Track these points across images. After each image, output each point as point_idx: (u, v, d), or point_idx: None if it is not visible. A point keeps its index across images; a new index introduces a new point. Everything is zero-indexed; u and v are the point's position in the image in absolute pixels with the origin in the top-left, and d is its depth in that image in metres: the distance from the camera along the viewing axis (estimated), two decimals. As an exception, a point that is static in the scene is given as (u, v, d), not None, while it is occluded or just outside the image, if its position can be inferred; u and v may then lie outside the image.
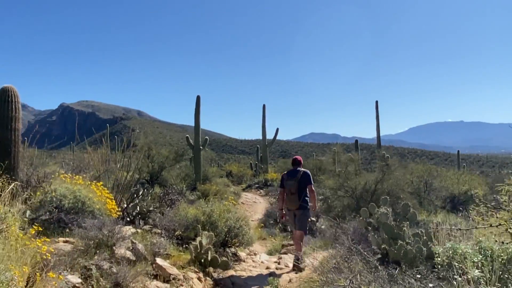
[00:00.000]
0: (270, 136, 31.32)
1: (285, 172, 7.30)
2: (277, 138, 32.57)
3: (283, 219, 7.39)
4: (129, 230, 6.22)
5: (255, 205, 20.78)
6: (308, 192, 6.83)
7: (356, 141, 29.52)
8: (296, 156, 7.34)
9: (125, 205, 7.94)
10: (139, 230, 6.63)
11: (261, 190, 24.93)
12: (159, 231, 6.89)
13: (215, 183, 21.75)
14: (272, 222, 15.89)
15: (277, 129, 30.73)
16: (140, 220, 7.66)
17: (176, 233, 7.10)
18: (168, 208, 10.80)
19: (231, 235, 7.22)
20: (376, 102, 28.19)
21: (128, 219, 7.54)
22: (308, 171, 7.08)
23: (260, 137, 31.41)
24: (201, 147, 22.10)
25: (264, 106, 30.35)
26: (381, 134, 27.22)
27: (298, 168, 7.02)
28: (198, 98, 22.32)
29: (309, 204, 6.90)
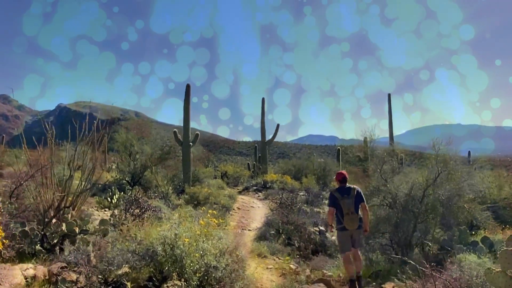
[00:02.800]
0: (269, 137, 28.44)
1: (335, 190, 6.72)
2: (275, 140, 29.69)
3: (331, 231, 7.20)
4: (18, 274, 3.25)
5: (252, 211, 18.08)
6: (363, 210, 6.51)
7: (365, 138, 26.61)
8: (343, 172, 6.84)
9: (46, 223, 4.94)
10: (42, 274, 3.66)
11: (260, 193, 22.41)
12: (75, 276, 3.90)
13: (206, 185, 18.86)
14: (273, 232, 13.20)
15: (278, 125, 27.91)
16: (70, 246, 4.69)
17: (118, 272, 4.12)
18: (136, 220, 7.85)
19: (209, 279, 4.22)
20: (389, 95, 25.46)
21: (46, 244, 4.57)
22: (359, 188, 6.69)
23: (259, 138, 28.57)
24: (190, 143, 19.15)
25: (263, 99, 27.50)
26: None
27: (349, 185, 6.62)
28: (187, 87, 19.40)
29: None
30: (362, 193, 6.52)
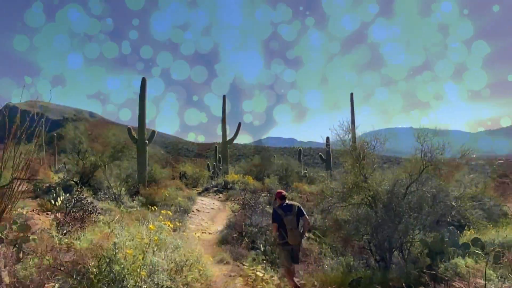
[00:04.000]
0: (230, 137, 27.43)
1: (278, 207, 7.02)
2: (234, 142, 28.82)
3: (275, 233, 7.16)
4: None
5: (213, 213, 17.13)
6: (304, 223, 6.91)
7: (328, 138, 26.20)
8: (282, 191, 7.33)
9: None
10: None
11: (221, 194, 21.43)
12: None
13: (163, 186, 17.63)
14: (236, 235, 12.32)
15: (239, 124, 26.93)
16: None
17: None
18: (77, 224, 6.65)
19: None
20: (351, 94, 25.22)
21: None
22: (299, 204, 7.16)
23: (218, 140, 27.59)
24: (146, 141, 17.81)
25: (224, 96, 26.46)
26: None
27: (288, 202, 7.06)
28: (143, 80, 18.07)
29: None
30: (302, 208, 7.03)
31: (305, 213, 6.99)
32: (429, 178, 6.07)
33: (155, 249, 3.26)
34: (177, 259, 3.36)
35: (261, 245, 10.59)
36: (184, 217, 14.67)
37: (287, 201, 7.05)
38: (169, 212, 5.08)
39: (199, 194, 21.73)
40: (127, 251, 3.16)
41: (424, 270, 4.65)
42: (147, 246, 3.25)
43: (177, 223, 4.35)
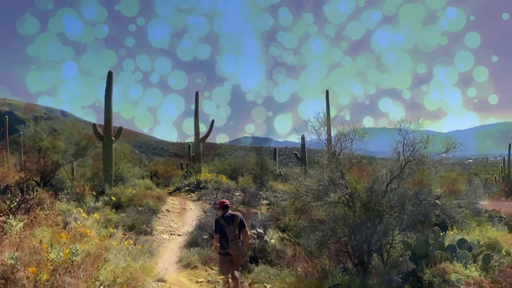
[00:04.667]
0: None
1: (220, 217, 7.14)
2: (210, 141, 28.11)
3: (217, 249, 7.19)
4: None
5: (184, 213, 16.42)
6: (244, 236, 7.06)
7: (303, 136, 25.73)
8: (225, 200, 7.53)
9: None
10: None
11: (193, 194, 20.73)
12: None
13: (131, 185, 16.76)
14: (206, 237, 11.74)
15: (213, 121, 26.23)
16: None
17: None
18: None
19: None
20: (327, 91, 24.82)
21: None
22: (241, 215, 7.30)
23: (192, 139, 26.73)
24: (113, 138, 16.87)
25: (197, 93, 25.66)
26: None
27: (231, 212, 7.17)
28: (110, 74, 17.10)
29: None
30: (243, 220, 7.18)
31: (246, 225, 7.15)
32: (411, 174, 5.58)
33: (74, 265, 2.51)
34: (101, 277, 2.63)
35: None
36: (152, 218, 13.94)
37: (229, 211, 7.14)
38: (96, 215, 4.32)
39: (170, 193, 20.93)
40: (29, 269, 2.40)
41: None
42: (61, 261, 2.50)
43: (111, 229, 3.59)
